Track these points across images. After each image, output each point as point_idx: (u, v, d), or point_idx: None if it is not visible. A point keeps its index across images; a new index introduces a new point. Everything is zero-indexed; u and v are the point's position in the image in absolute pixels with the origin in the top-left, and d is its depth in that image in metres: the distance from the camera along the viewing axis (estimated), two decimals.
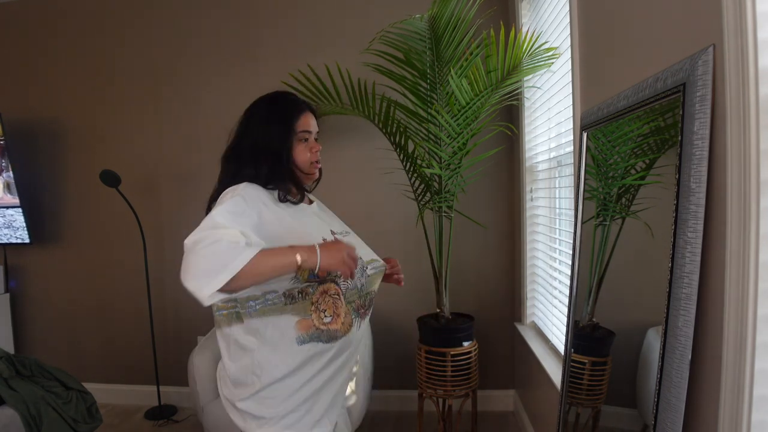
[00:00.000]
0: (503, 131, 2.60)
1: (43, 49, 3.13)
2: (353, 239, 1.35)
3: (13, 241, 3.08)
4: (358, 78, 2.46)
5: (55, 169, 3.16)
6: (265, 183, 1.25)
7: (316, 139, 1.33)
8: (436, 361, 2.28)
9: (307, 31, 2.90)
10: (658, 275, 0.99)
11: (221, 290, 1.00)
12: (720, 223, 0.85)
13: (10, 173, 2.98)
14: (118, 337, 3.17)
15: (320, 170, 1.36)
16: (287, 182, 1.28)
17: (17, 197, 2.99)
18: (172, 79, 3.02)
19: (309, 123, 1.30)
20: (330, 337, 1.22)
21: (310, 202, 1.38)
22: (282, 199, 1.25)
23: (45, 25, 3.12)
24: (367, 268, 1.32)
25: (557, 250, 2.12)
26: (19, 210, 3.00)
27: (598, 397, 1.35)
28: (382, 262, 1.39)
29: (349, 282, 1.27)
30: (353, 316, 1.29)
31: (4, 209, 3.05)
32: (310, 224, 1.28)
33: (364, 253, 1.33)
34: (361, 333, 1.34)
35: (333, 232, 1.31)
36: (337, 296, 1.23)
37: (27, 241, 3.04)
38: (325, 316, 1.21)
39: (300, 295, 1.19)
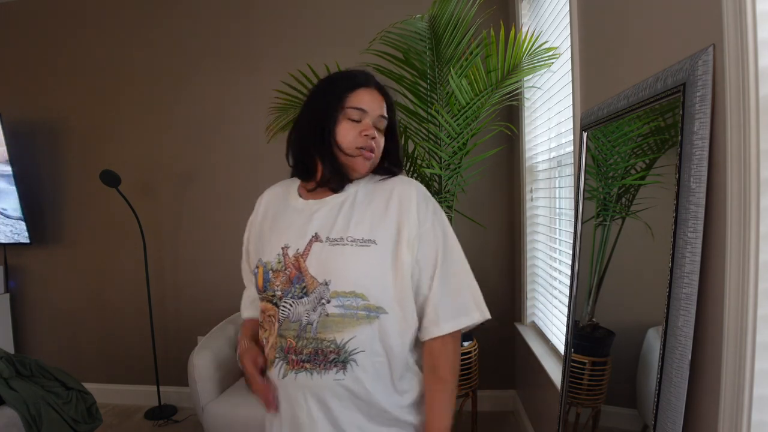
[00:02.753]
0: (503, 131, 2.60)
1: (43, 49, 3.13)
2: (343, 254, 1.00)
3: (13, 241, 3.08)
4: None
5: (55, 169, 3.16)
6: (303, 170, 1.12)
7: (382, 127, 1.08)
8: None
9: (307, 31, 2.90)
10: (658, 275, 0.99)
11: None
12: (720, 223, 0.85)
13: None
14: (118, 337, 3.17)
15: (385, 163, 1.10)
16: (326, 165, 1.07)
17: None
18: (172, 79, 3.02)
19: (365, 100, 1.05)
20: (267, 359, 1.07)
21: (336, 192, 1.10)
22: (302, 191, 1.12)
23: (45, 25, 3.12)
24: (330, 301, 0.98)
25: (557, 250, 2.12)
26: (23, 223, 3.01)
27: (598, 397, 1.35)
28: (374, 306, 0.99)
29: (290, 308, 1.01)
30: (277, 356, 1.01)
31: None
32: (283, 227, 1.09)
33: (342, 280, 0.99)
34: (296, 389, 1.00)
35: (316, 237, 1.03)
36: (273, 318, 1.04)
37: (27, 241, 3.04)
38: (264, 337, 1.08)
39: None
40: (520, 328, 2.60)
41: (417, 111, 2.32)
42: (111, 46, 3.06)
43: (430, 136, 2.31)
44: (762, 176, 0.76)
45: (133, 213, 2.85)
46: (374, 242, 1.01)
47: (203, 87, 2.99)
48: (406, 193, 1.05)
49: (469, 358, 2.30)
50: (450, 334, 1.03)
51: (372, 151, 1.06)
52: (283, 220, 1.10)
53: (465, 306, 1.05)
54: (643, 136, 1.14)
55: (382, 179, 1.10)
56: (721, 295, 0.84)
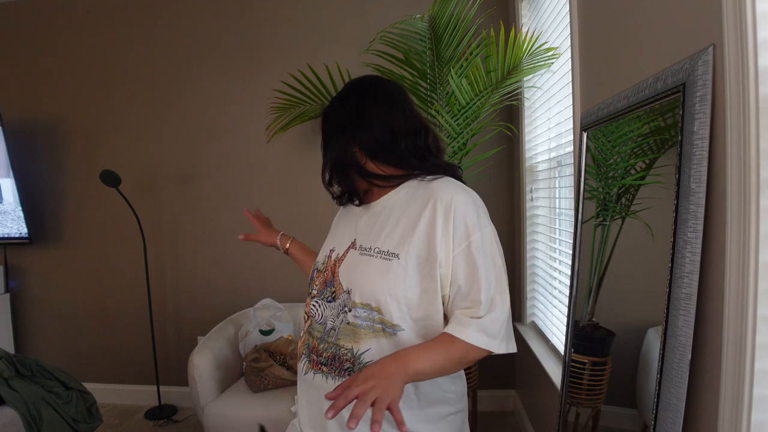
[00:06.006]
0: (503, 131, 2.60)
1: (43, 48, 3.13)
2: (367, 266, 0.99)
3: (13, 240, 3.08)
4: None
5: (55, 169, 3.16)
6: None
7: None
8: None
9: (307, 32, 2.90)
10: (658, 275, 0.99)
11: None
12: (720, 223, 0.85)
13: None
14: (119, 337, 3.17)
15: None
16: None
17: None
18: (173, 79, 3.02)
19: None
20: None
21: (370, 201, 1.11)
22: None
23: (45, 25, 3.12)
24: (351, 310, 0.98)
25: (557, 250, 2.12)
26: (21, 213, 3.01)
27: (598, 397, 1.35)
28: (390, 323, 0.96)
29: (317, 309, 1.03)
30: (304, 352, 1.06)
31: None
32: (337, 231, 1.16)
33: (361, 291, 0.97)
34: (314, 388, 1.02)
35: (353, 244, 1.04)
36: (307, 316, 1.10)
37: (27, 241, 3.04)
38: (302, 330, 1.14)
39: None
40: (520, 328, 2.60)
41: None
42: (111, 46, 3.06)
43: None
44: (762, 176, 0.76)
45: (133, 213, 2.85)
46: (397, 256, 0.96)
47: (203, 87, 2.99)
48: (445, 206, 0.96)
49: None
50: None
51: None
52: (342, 224, 1.15)
53: (494, 332, 0.94)
54: (643, 136, 1.14)
55: (424, 180, 1.03)
56: (721, 295, 0.84)
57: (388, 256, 0.97)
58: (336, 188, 1.12)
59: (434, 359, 0.90)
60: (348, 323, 0.98)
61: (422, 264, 0.96)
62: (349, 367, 0.98)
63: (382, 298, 0.96)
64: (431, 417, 1.01)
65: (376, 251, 0.99)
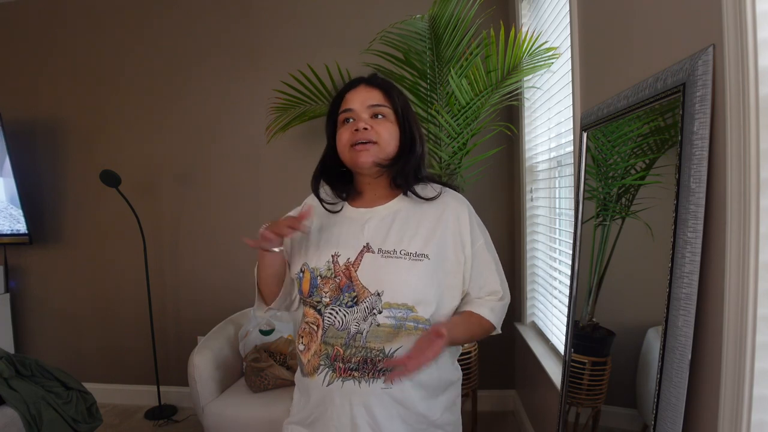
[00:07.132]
0: (503, 131, 2.59)
1: (43, 48, 3.13)
2: (397, 267, 1.01)
3: (11, 238, 3.08)
4: None
5: (55, 169, 3.16)
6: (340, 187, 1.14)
7: (375, 116, 1.06)
8: None
9: (307, 32, 2.90)
10: (658, 275, 0.99)
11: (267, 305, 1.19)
12: (720, 223, 0.85)
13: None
14: (119, 337, 3.17)
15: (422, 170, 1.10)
16: (335, 180, 1.13)
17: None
18: (173, 79, 3.02)
19: (350, 99, 1.07)
20: (302, 369, 1.08)
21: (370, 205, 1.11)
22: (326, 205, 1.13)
23: (45, 25, 3.12)
24: (381, 312, 1.00)
25: (557, 250, 2.12)
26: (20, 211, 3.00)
27: (598, 397, 1.35)
28: (423, 319, 1.02)
29: (336, 316, 1.01)
30: (322, 363, 1.02)
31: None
32: (334, 234, 1.09)
33: (395, 292, 1.00)
34: (342, 396, 1.01)
35: (368, 248, 1.04)
36: (314, 326, 1.05)
37: (27, 241, 3.03)
38: (300, 343, 1.07)
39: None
40: (520, 328, 2.60)
41: (417, 111, 2.32)
42: (111, 46, 3.06)
43: (430, 136, 2.31)
44: (762, 176, 0.76)
45: (133, 213, 2.85)
46: (427, 257, 1.03)
47: (203, 87, 2.99)
48: (459, 211, 1.10)
49: (469, 358, 2.30)
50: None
51: (365, 141, 1.04)
52: (335, 226, 1.11)
53: (502, 314, 1.14)
54: (643, 136, 1.14)
55: (432, 188, 1.12)
56: (721, 295, 0.84)
57: (417, 257, 1.03)
58: (326, 188, 1.15)
59: (464, 331, 1.06)
60: (378, 325, 1.00)
61: (447, 264, 1.06)
62: (382, 368, 1.00)
63: (418, 296, 1.01)
64: (447, 403, 1.11)
65: (402, 253, 1.03)
